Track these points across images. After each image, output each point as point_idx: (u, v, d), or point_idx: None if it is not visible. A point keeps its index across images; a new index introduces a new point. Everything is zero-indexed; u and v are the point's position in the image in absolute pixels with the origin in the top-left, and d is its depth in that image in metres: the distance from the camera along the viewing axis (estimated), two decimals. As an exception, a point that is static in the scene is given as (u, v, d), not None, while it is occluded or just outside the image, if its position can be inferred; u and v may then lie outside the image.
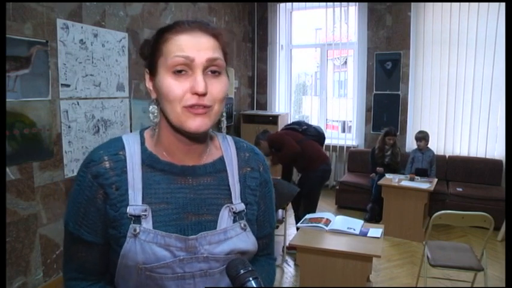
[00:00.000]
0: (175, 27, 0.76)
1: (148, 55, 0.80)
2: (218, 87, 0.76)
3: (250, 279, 0.69)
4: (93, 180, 0.78)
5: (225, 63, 0.78)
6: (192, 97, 0.73)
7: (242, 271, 0.70)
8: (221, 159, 0.87)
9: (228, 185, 0.85)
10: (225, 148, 0.89)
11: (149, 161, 0.81)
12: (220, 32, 0.79)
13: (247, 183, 0.88)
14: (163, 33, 0.77)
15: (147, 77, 0.81)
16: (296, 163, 3.80)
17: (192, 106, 0.74)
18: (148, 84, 0.81)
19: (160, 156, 0.82)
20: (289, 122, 4.54)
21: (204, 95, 0.73)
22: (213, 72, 0.76)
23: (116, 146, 0.81)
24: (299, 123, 3.95)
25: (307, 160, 3.65)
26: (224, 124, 0.86)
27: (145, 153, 0.81)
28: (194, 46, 0.74)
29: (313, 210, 3.63)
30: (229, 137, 0.92)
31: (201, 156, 0.84)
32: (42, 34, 2.64)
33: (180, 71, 0.74)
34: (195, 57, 0.73)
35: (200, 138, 0.82)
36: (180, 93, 0.73)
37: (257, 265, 0.92)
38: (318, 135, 3.83)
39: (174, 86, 0.73)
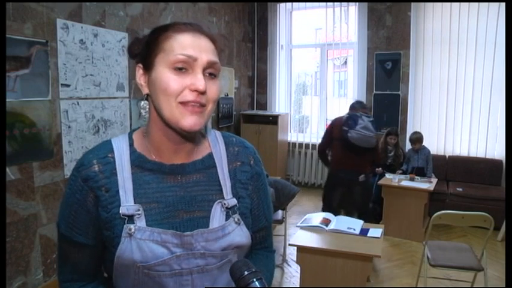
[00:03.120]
0: (176, 26, 0.78)
1: (143, 52, 0.81)
2: (214, 89, 0.79)
3: (254, 280, 0.70)
4: (83, 184, 0.79)
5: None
6: (190, 94, 0.75)
7: (246, 272, 0.71)
8: (210, 156, 0.88)
9: (219, 181, 0.86)
10: (213, 144, 0.90)
11: (138, 162, 0.82)
12: (217, 37, 0.82)
13: (237, 178, 0.88)
14: (162, 32, 0.78)
15: (139, 72, 0.82)
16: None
17: (188, 102, 0.75)
18: (140, 80, 0.82)
19: (149, 157, 0.83)
20: (360, 101, 4.07)
21: (203, 93, 0.75)
22: (210, 74, 0.78)
23: (105, 149, 0.82)
24: (355, 120, 3.44)
25: (331, 158, 3.79)
26: (209, 122, 0.88)
27: (134, 154, 0.83)
28: (196, 46, 0.76)
29: (324, 209, 3.72)
30: (217, 133, 0.93)
31: (190, 154, 0.85)
32: (42, 34, 2.64)
33: (180, 68, 0.75)
34: (197, 57, 0.75)
35: (191, 137, 0.83)
36: (178, 89, 0.75)
37: (255, 259, 0.93)
38: (353, 145, 3.42)
39: (173, 81, 0.75)
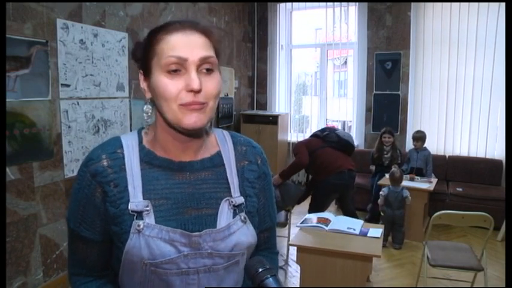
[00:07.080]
0: (167, 27, 0.78)
1: (141, 57, 0.81)
2: (212, 84, 0.77)
3: (268, 276, 0.72)
4: (91, 178, 0.79)
5: (217, 60, 0.79)
6: (187, 95, 0.75)
7: (260, 269, 0.73)
8: (218, 154, 0.88)
9: (227, 179, 0.86)
10: (222, 143, 0.90)
11: (147, 158, 0.82)
12: (211, 30, 0.80)
13: (245, 176, 0.89)
14: (155, 34, 0.78)
15: (141, 77, 0.83)
16: (308, 169, 3.82)
17: (187, 104, 0.75)
18: (143, 85, 0.83)
19: (158, 153, 0.83)
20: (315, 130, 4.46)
21: (199, 91, 0.75)
22: (207, 70, 0.77)
23: (114, 145, 0.83)
24: (323, 130, 3.87)
25: (318, 168, 3.63)
26: (211, 120, 0.87)
27: (143, 150, 0.83)
28: (186, 45, 0.75)
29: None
30: (225, 132, 0.94)
31: (198, 152, 0.86)
32: (42, 34, 2.64)
33: (174, 70, 0.75)
34: (188, 57, 0.75)
35: (196, 135, 0.83)
36: (175, 92, 0.75)
37: None
38: (339, 142, 3.64)
39: (169, 85, 0.75)
